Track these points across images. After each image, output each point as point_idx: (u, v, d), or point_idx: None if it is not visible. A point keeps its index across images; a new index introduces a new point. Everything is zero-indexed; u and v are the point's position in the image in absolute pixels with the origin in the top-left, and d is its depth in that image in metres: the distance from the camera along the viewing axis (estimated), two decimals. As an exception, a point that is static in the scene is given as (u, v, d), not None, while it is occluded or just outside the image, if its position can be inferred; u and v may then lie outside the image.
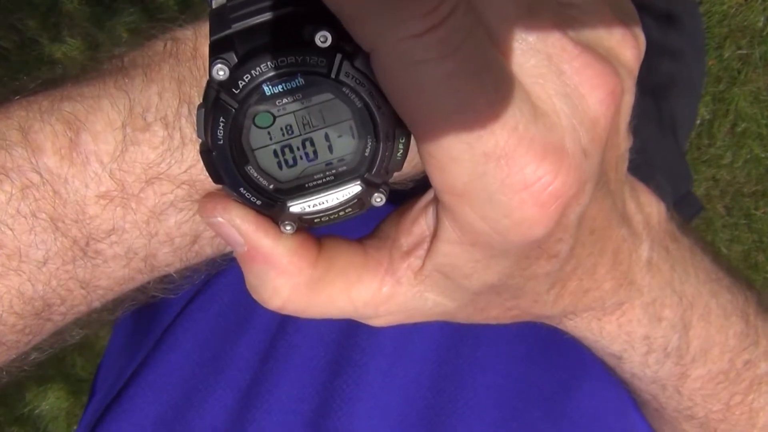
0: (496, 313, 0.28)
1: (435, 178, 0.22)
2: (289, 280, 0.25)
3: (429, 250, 0.25)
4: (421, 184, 0.26)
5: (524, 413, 0.40)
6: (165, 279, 0.30)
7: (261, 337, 0.42)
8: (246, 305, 0.43)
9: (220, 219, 0.25)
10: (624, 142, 0.26)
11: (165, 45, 0.26)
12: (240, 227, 0.25)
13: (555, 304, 0.28)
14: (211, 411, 0.39)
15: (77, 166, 0.25)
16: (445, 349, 0.41)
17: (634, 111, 0.25)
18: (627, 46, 0.24)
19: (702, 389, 0.35)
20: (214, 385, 0.40)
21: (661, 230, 0.31)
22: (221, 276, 0.44)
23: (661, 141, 0.71)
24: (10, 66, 1.44)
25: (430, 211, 0.25)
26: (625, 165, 0.27)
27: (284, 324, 0.42)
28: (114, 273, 0.27)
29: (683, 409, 0.37)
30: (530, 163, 0.21)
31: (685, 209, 0.71)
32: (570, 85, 0.22)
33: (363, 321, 0.28)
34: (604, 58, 0.22)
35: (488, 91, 0.20)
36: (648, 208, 0.30)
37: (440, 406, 0.39)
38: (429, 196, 0.25)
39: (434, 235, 0.24)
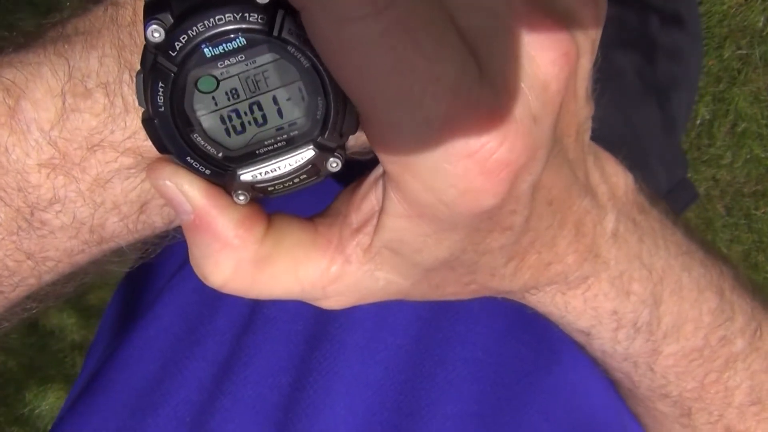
0: (453, 289, 0.27)
1: (376, 146, 0.21)
2: (234, 254, 0.24)
3: (376, 225, 0.24)
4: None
5: (504, 387, 0.40)
6: (117, 252, 0.29)
7: (238, 310, 0.41)
8: None
9: (168, 182, 0.23)
10: (583, 109, 0.25)
11: (106, 10, 0.25)
12: (187, 193, 0.23)
13: (514, 278, 0.27)
14: (187, 384, 0.38)
15: (17, 134, 0.24)
16: (425, 323, 0.41)
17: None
18: (585, 4, 0.22)
19: (675, 366, 0.34)
20: (189, 357, 0.40)
21: (629, 201, 0.30)
22: None
23: (659, 132, 0.71)
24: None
25: (380, 185, 0.24)
26: (587, 134, 0.26)
27: None
28: (62, 244, 0.27)
29: (656, 387, 0.36)
30: (474, 128, 0.19)
31: (681, 195, 0.70)
32: (519, 46, 0.20)
33: (312, 303, 0.26)
34: (558, 17, 0.21)
35: (427, 51, 0.19)
36: (614, 178, 0.29)
37: (419, 380, 0.39)
38: (379, 169, 0.24)
39: (381, 209, 0.23)
